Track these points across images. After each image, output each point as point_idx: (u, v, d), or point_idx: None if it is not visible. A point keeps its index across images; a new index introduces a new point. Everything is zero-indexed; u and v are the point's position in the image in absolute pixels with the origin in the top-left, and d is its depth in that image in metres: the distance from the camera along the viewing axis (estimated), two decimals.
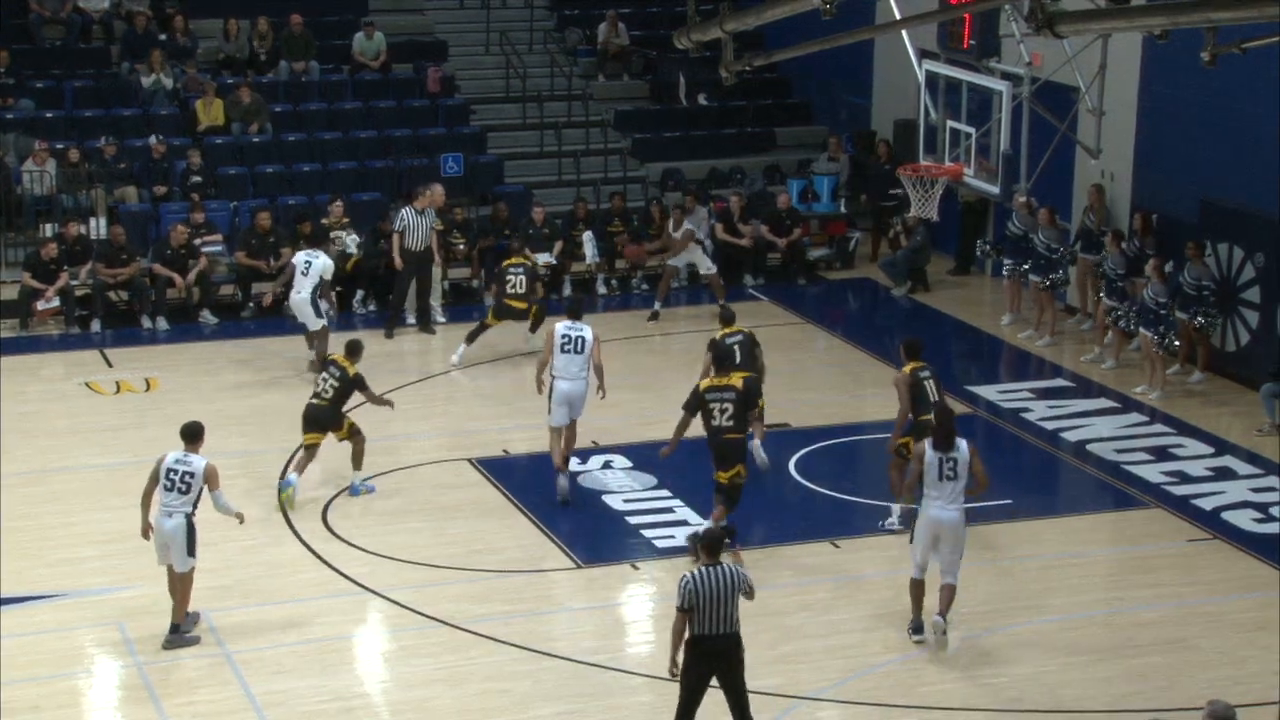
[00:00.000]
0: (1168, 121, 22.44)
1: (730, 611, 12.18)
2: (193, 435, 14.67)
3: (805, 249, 26.12)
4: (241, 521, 14.96)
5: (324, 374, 17.83)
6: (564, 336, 17.53)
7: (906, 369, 16.56)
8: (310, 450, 17.63)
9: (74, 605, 15.27)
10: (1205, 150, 21.94)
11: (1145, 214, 22.30)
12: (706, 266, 24.23)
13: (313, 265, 21.08)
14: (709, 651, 12.23)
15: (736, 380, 16.17)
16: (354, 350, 17.92)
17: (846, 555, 16.55)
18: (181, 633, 14.51)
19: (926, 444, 14.57)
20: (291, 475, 17.53)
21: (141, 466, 17.86)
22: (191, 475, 14.35)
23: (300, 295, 21.04)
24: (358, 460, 17.71)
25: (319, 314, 21.03)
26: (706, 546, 12.41)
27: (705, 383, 16.28)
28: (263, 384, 21.22)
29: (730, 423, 15.90)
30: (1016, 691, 13.91)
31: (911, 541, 14.74)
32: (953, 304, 24.76)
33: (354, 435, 17.72)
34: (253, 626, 14.86)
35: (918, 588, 14.68)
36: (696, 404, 16.09)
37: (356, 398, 17.85)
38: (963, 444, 14.53)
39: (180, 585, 14.47)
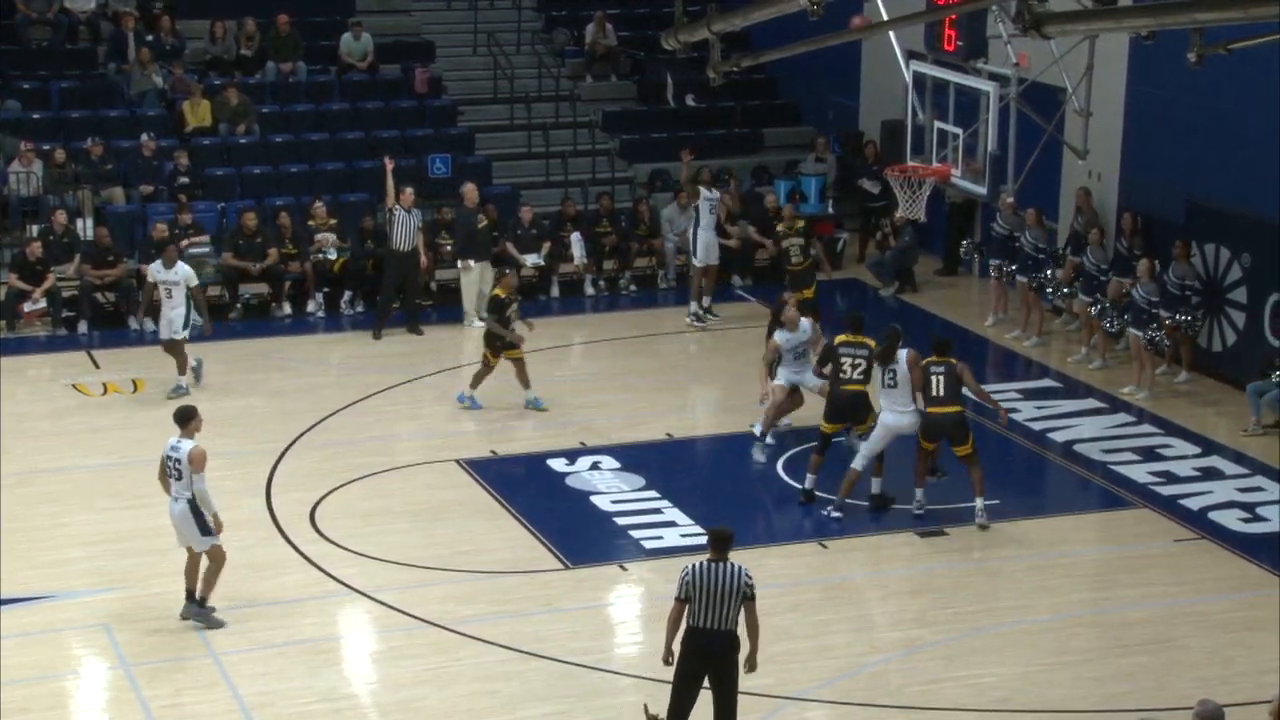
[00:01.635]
0: (1154, 122, 22.47)
1: (727, 610, 12.12)
2: (182, 419, 14.82)
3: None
4: (218, 531, 14.77)
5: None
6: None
7: (923, 361, 17.05)
8: (485, 365, 19.95)
9: (62, 607, 15.24)
10: (1192, 151, 21.97)
11: (1134, 214, 22.34)
12: (714, 258, 24.22)
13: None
14: (701, 646, 12.20)
15: (871, 341, 17.36)
16: (500, 276, 20.44)
17: (835, 556, 16.57)
18: (206, 610, 14.69)
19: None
20: (464, 390, 20.11)
21: (130, 468, 17.99)
22: (180, 461, 14.50)
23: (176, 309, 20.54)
24: (524, 380, 19.88)
25: (185, 324, 20.54)
26: (713, 542, 12.40)
27: (841, 337, 17.53)
28: (250, 385, 21.20)
29: (860, 377, 17.33)
30: (1004, 692, 13.92)
31: (864, 438, 17.06)
32: (940, 304, 24.77)
33: (516, 361, 19.82)
34: (240, 627, 14.83)
35: (856, 476, 17.01)
36: (828, 356, 17.64)
37: None
38: (902, 355, 16.86)
39: (208, 562, 14.66)
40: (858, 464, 17.09)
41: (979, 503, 17.08)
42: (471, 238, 23.61)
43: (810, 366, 18.53)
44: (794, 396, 18.93)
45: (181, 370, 20.59)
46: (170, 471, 14.61)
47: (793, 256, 22.71)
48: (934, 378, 16.90)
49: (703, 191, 24.06)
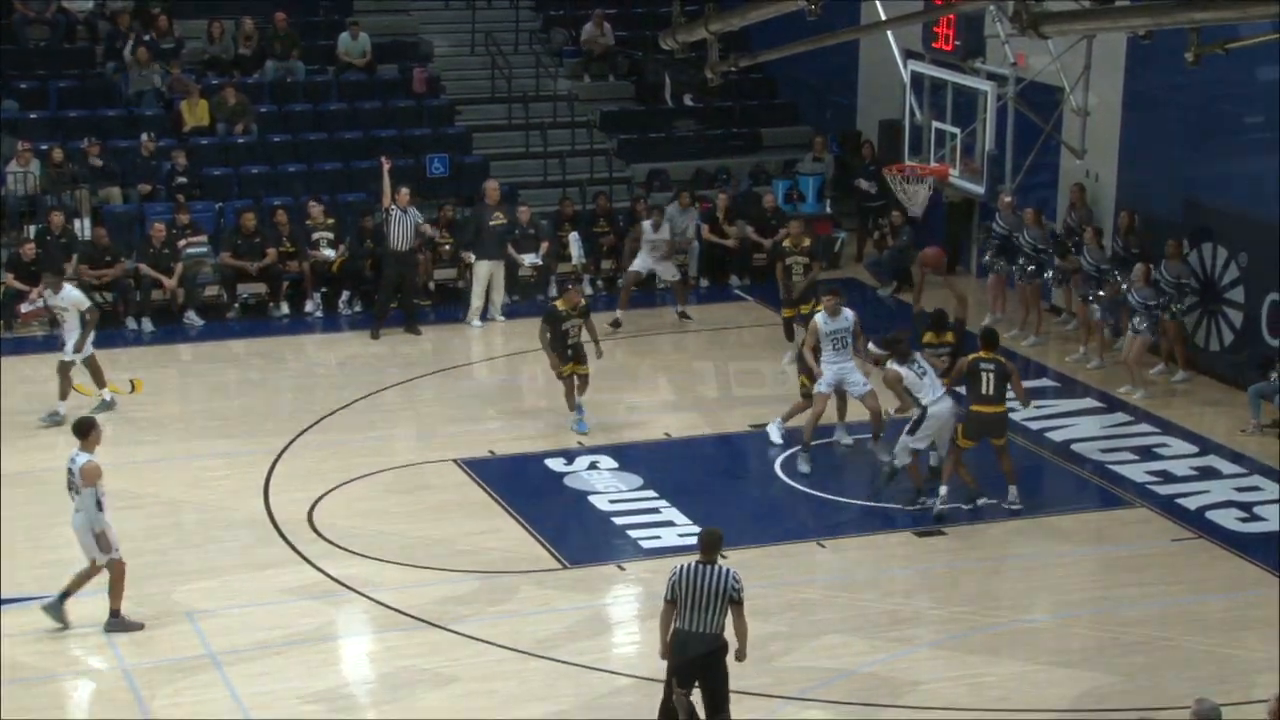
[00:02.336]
0: (1152, 122, 22.48)
1: (713, 612, 12.08)
2: (81, 431, 14.71)
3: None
4: (112, 546, 14.56)
5: None
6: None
7: (971, 356, 17.22)
8: (579, 380, 19.36)
9: None
10: (1189, 150, 21.98)
11: (1132, 213, 22.35)
12: (672, 274, 24.22)
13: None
14: (688, 648, 12.17)
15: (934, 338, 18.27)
16: (563, 288, 20.00)
17: (832, 556, 16.58)
18: (121, 618, 14.63)
19: (894, 363, 17.25)
20: (579, 414, 19.37)
21: (127, 468, 17.94)
22: (75, 474, 14.51)
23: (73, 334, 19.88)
24: (581, 391, 19.39)
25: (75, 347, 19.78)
26: (702, 544, 12.39)
27: (908, 334, 18.15)
28: (248, 385, 21.21)
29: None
30: (1002, 691, 13.92)
31: (914, 433, 17.07)
32: (938, 304, 24.62)
33: (573, 378, 19.33)
34: (238, 627, 14.84)
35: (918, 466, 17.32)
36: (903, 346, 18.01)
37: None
38: (918, 355, 17.43)
39: (110, 574, 14.59)
40: (908, 459, 17.27)
41: (1012, 490, 17.30)
42: (480, 233, 23.61)
43: (856, 371, 18.56)
44: (808, 399, 18.96)
45: (62, 396, 19.72)
46: (70, 483, 14.60)
47: (795, 275, 22.65)
48: (985, 375, 16.95)
49: (669, 212, 24.19)
